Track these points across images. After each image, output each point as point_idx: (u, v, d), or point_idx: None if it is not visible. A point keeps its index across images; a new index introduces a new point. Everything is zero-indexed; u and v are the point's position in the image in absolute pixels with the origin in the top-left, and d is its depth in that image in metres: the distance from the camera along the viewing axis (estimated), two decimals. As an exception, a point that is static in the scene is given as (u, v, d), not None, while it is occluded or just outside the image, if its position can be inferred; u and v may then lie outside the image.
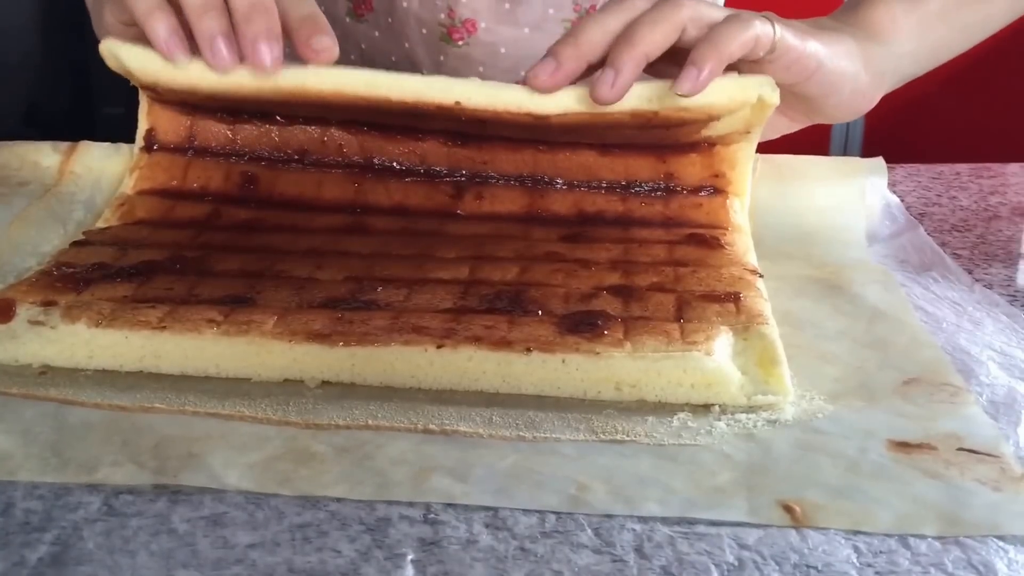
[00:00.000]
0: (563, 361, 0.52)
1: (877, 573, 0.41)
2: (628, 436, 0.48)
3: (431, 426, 0.48)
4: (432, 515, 0.43)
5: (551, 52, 0.61)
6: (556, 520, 0.43)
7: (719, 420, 0.50)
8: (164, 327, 0.53)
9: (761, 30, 0.60)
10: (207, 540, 0.42)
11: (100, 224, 0.66)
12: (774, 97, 0.62)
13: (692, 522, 0.43)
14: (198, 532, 0.42)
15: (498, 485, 0.45)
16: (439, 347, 0.52)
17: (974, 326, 0.59)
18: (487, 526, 0.43)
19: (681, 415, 0.50)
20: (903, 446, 0.48)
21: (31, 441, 0.47)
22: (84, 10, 0.76)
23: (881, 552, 0.42)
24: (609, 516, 0.43)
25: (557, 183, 0.66)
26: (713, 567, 0.41)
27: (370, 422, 0.48)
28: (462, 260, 0.60)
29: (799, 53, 0.63)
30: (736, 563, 0.41)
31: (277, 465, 0.45)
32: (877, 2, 0.71)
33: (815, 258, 0.66)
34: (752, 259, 0.62)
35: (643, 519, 0.43)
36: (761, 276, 0.60)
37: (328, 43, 0.61)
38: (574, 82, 0.61)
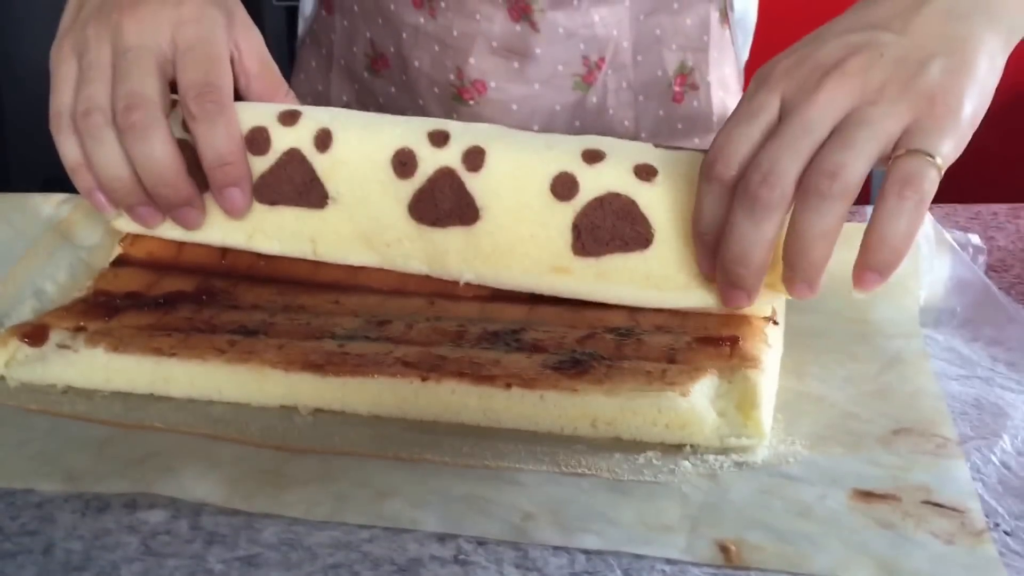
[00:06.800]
0: (541, 397, 0.53)
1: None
2: (590, 470, 0.49)
3: (401, 454, 0.50)
4: (463, 556, 0.44)
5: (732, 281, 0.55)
6: (586, 560, 0.44)
7: (686, 460, 0.50)
8: (174, 354, 0.56)
9: (929, 188, 0.51)
10: None
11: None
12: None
13: (720, 563, 0.44)
14: (233, 572, 0.43)
15: (448, 511, 0.46)
16: (424, 380, 0.54)
17: (1009, 368, 0.58)
18: (517, 567, 0.44)
19: (649, 453, 0.51)
20: (866, 495, 0.48)
21: (33, 451, 0.51)
22: None
23: None
24: (639, 557, 0.44)
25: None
26: None
27: (345, 448, 0.51)
28: (476, 299, 0.62)
29: (961, 147, 0.53)
30: None
31: (244, 483, 0.48)
32: None
33: (852, 310, 0.63)
34: (778, 304, 0.61)
35: (672, 560, 0.44)
36: (776, 323, 0.59)
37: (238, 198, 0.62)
38: None
